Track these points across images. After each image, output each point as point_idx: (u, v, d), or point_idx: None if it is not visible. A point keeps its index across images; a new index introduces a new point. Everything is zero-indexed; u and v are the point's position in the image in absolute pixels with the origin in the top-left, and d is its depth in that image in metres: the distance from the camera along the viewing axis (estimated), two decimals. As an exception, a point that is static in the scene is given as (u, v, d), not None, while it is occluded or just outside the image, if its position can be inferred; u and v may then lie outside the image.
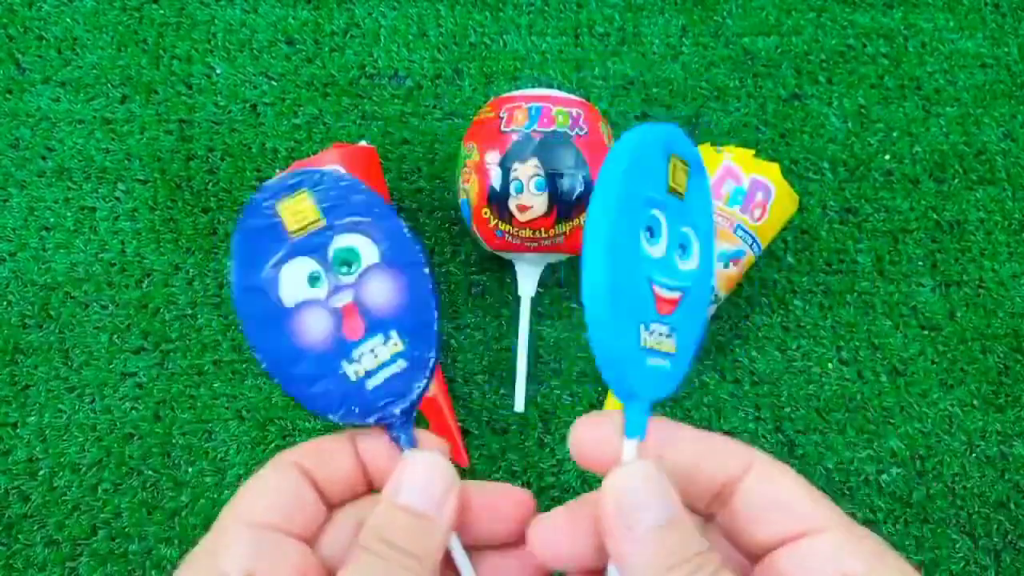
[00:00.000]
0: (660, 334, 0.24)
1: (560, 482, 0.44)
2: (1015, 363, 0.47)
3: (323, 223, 0.25)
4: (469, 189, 0.42)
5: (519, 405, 0.45)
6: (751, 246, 0.43)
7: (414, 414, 0.25)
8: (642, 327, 0.24)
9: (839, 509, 0.22)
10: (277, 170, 0.48)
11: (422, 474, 0.23)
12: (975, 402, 0.46)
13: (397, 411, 0.25)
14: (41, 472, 0.44)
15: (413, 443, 0.25)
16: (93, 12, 0.51)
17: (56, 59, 0.50)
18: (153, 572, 0.42)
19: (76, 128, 0.49)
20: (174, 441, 0.44)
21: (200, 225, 0.48)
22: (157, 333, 0.46)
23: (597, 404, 0.45)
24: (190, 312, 0.46)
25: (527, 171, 0.40)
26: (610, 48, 0.52)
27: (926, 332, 0.47)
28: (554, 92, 0.42)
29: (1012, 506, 0.44)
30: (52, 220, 0.48)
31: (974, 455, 0.45)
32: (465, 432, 0.45)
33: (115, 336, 0.46)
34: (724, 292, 0.43)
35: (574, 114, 0.41)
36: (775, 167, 0.42)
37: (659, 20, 0.53)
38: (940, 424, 0.46)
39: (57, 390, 0.45)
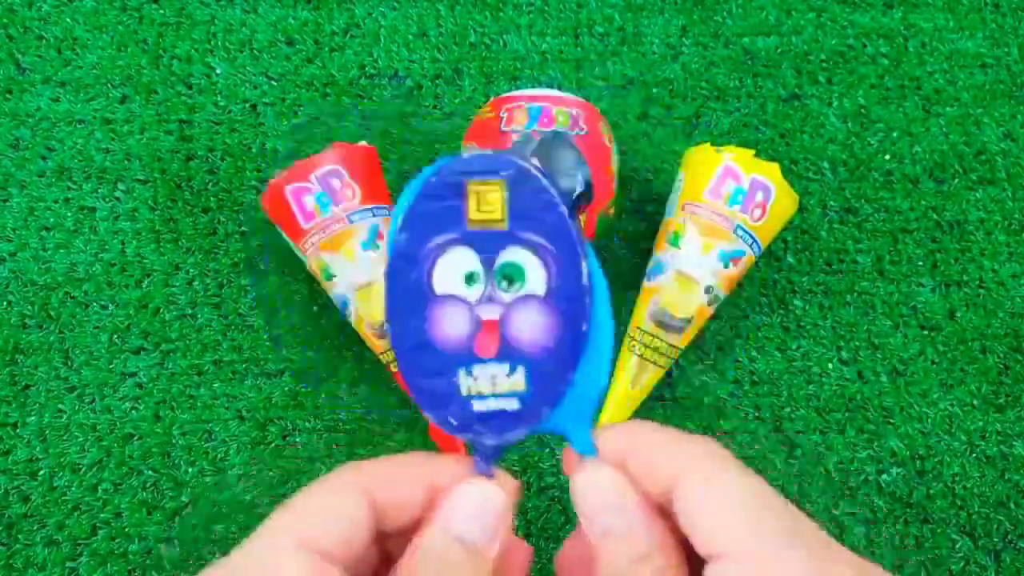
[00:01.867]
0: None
1: (560, 482, 0.44)
2: (1015, 363, 0.47)
3: (504, 226, 0.23)
4: (469, 189, 0.42)
5: (519, 405, 0.45)
6: (751, 246, 0.43)
7: (504, 452, 0.24)
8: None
9: (778, 521, 0.20)
10: (277, 170, 0.48)
11: (479, 504, 0.23)
12: (975, 402, 0.46)
13: (488, 443, 0.23)
14: (41, 472, 0.44)
15: (491, 474, 0.24)
16: (93, 12, 0.51)
17: (56, 59, 0.50)
18: (153, 572, 0.42)
19: (76, 128, 0.49)
20: (174, 441, 0.44)
21: (200, 225, 0.48)
22: (157, 333, 0.46)
23: (597, 404, 0.45)
24: (190, 312, 0.46)
25: (527, 171, 0.40)
26: (610, 48, 0.52)
27: (926, 332, 0.47)
28: (554, 92, 0.42)
29: (1012, 506, 0.44)
30: (52, 220, 0.48)
31: (974, 455, 0.45)
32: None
33: (115, 336, 0.46)
34: (724, 292, 0.43)
35: (574, 114, 0.41)
36: (775, 167, 0.42)
37: (659, 20, 0.53)
38: (940, 424, 0.46)
39: (57, 390, 0.45)
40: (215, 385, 0.45)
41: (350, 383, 0.45)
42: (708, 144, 0.44)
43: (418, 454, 0.24)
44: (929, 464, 0.45)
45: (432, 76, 0.51)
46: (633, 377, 0.43)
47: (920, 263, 0.49)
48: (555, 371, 0.23)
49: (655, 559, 0.22)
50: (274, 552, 0.21)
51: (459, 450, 0.44)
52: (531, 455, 0.44)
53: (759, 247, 0.43)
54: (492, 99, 0.43)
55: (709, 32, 0.53)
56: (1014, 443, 0.45)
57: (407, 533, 0.24)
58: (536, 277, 0.23)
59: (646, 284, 0.44)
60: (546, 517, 0.43)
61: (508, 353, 0.23)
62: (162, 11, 0.52)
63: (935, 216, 0.49)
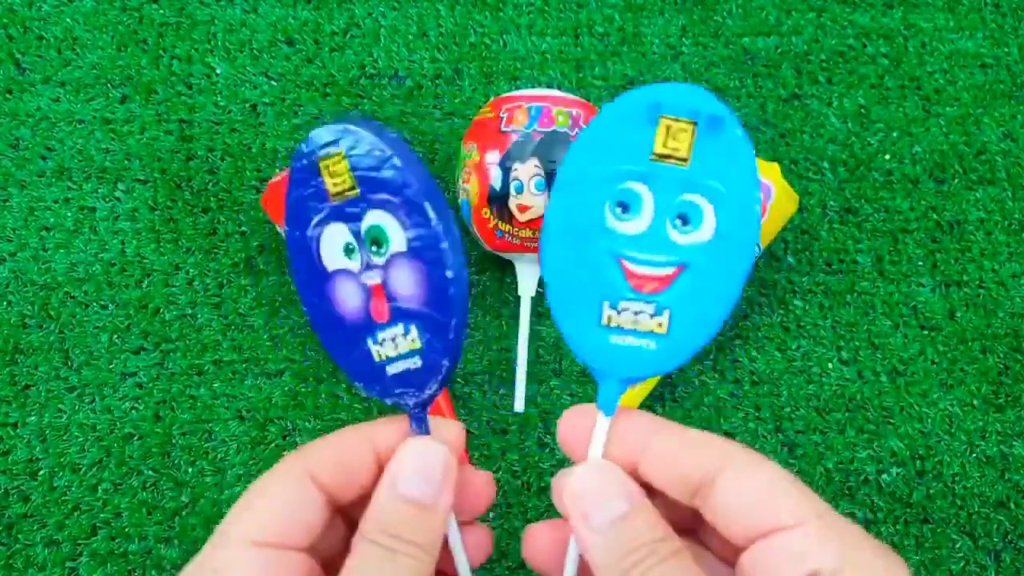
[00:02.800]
0: (636, 312, 0.23)
1: (560, 482, 0.44)
2: (1015, 363, 0.47)
3: (356, 193, 0.23)
4: (469, 189, 0.42)
5: (519, 405, 0.45)
6: (751, 246, 0.43)
7: (429, 407, 0.25)
8: (606, 305, 0.24)
9: (820, 502, 0.21)
10: (277, 170, 0.48)
11: (419, 463, 0.23)
12: (975, 402, 0.46)
13: (411, 403, 0.24)
14: (41, 472, 0.44)
15: (427, 431, 0.24)
16: (93, 12, 0.51)
17: (56, 59, 0.50)
18: (153, 572, 0.42)
19: (76, 128, 0.49)
20: (174, 441, 0.44)
21: (200, 225, 0.48)
22: (157, 333, 0.46)
23: (597, 404, 0.45)
24: (190, 312, 0.46)
25: (527, 171, 0.40)
26: (610, 48, 0.52)
27: (926, 332, 0.47)
28: (554, 92, 0.42)
29: (1012, 506, 0.44)
30: (52, 220, 0.48)
31: (974, 455, 0.45)
32: (465, 432, 0.45)
33: (115, 336, 0.46)
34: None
35: (574, 114, 0.41)
36: (775, 167, 0.42)
37: (659, 20, 0.53)
38: (940, 424, 0.46)
39: (57, 390, 0.45)
40: (215, 385, 0.45)
41: (350, 383, 0.45)
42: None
43: (356, 425, 0.25)
44: (929, 464, 0.45)
45: (432, 76, 0.51)
46: (633, 377, 0.43)
47: (920, 263, 0.49)
48: (440, 322, 0.24)
49: (669, 543, 0.22)
50: (227, 554, 0.21)
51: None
52: (531, 455, 0.44)
53: (759, 247, 0.43)
54: (492, 99, 0.43)
55: (709, 32, 0.53)
56: (1014, 443, 0.45)
57: (368, 500, 0.24)
58: (397, 235, 0.24)
59: (646, 284, 0.44)
60: (546, 517, 0.43)
61: (397, 314, 0.24)
62: (162, 11, 0.52)
63: (935, 216, 0.49)
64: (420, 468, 0.23)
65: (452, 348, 0.24)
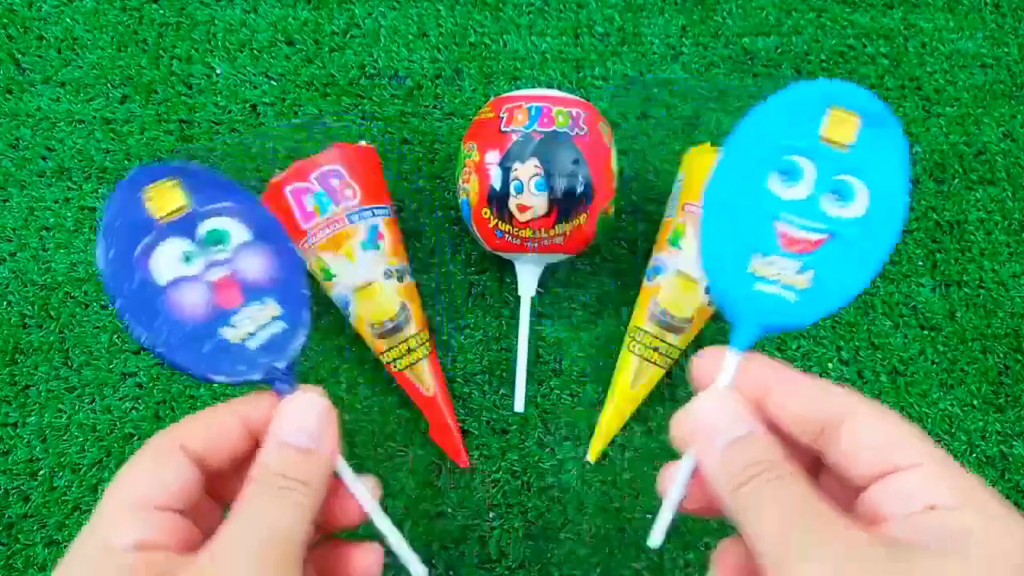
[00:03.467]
0: (783, 267, 0.27)
1: (560, 482, 0.44)
2: (1015, 363, 0.47)
3: (189, 208, 0.28)
4: (469, 189, 0.42)
5: (519, 405, 0.45)
6: (751, 246, 0.43)
7: (296, 369, 0.28)
8: (757, 255, 0.27)
9: (941, 450, 0.23)
10: (276, 170, 0.48)
11: (300, 413, 0.26)
12: (975, 402, 0.46)
13: (280, 366, 0.27)
14: (41, 472, 0.44)
15: (295, 390, 0.27)
16: (93, 12, 0.51)
17: (56, 59, 0.50)
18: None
19: (76, 128, 0.49)
20: (174, 441, 0.44)
21: (200, 225, 0.48)
22: (157, 333, 0.46)
23: (597, 404, 0.45)
24: (190, 312, 0.46)
25: (527, 171, 0.40)
26: (610, 48, 0.52)
27: (926, 332, 0.47)
28: (554, 92, 0.42)
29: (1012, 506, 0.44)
30: (52, 220, 0.48)
31: (974, 455, 0.45)
32: (465, 432, 0.45)
33: (115, 336, 0.46)
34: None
35: (574, 114, 0.41)
36: (775, 167, 0.42)
37: (659, 20, 0.53)
38: (940, 424, 0.46)
39: (57, 390, 0.45)
40: (215, 385, 0.45)
41: (350, 383, 0.45)
42: (708, 144, 0.44)
43: (227, 402, 0.27)
44: (929, 464, 0.45)
45: (432, 76, 0.51)
46: (633, 377, 0.43)
47: (920, 263, 0.49)
48: (292, 284, 0.28)
49: (786, 464, 0.24)
50: (106, 519, 0.24)
51: (457, 446, 0.44)
52: (531, 455, 0.44)
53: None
54: (492, 99, 0.43)
55: (709, 32, 0.53)
56: (1014, 443, 0.45)
57: (246, 465, 0.26)
58: (238, 230, 0.28)
59: (646, 284, 0.44)
60: (546, 517, 0.43)
61: (252, 293, 0.28)
62: (162, 11, 0.52)
63: (935, 216, 0.49)
64: (300, 419, 0.26)
65: (307, 301, 0.29)
